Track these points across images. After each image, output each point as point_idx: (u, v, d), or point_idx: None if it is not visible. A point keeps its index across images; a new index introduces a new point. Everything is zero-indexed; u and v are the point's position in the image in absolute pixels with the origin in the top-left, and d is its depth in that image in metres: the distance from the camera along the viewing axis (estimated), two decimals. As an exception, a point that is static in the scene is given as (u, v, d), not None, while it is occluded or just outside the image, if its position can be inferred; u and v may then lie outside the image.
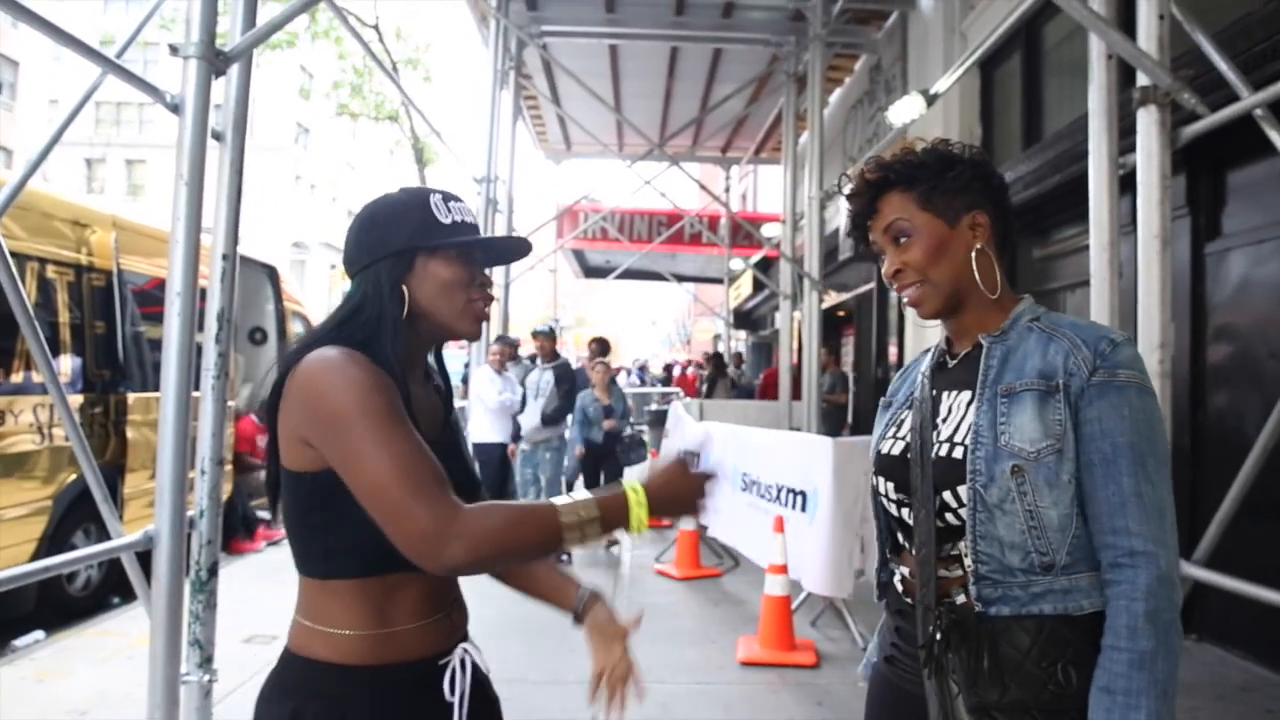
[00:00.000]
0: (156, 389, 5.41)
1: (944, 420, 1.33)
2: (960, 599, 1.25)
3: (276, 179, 30.61)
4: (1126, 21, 3.22)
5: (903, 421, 1.41)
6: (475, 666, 1.37)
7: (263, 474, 7.50)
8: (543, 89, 10.71)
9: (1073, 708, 1.17)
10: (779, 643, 4.35)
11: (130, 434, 5.62)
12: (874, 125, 9.64)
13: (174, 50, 2.31)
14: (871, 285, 10.20)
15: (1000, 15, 6.11)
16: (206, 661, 2.50)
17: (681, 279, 17.67)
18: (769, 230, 12.67)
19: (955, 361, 1.38)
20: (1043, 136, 6.46)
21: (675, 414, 8.09)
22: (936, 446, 1.31)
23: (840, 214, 9.24)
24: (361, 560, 1.25)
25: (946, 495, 1.26)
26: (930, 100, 5.26)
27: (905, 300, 1.37)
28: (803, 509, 4.79)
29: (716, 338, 17.93)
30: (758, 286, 15.76)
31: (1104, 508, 1.18)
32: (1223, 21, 4.12)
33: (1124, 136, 3.17)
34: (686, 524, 6.09)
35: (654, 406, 13.97)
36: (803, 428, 7.70)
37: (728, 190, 16.55)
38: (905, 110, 5.55)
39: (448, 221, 1.35)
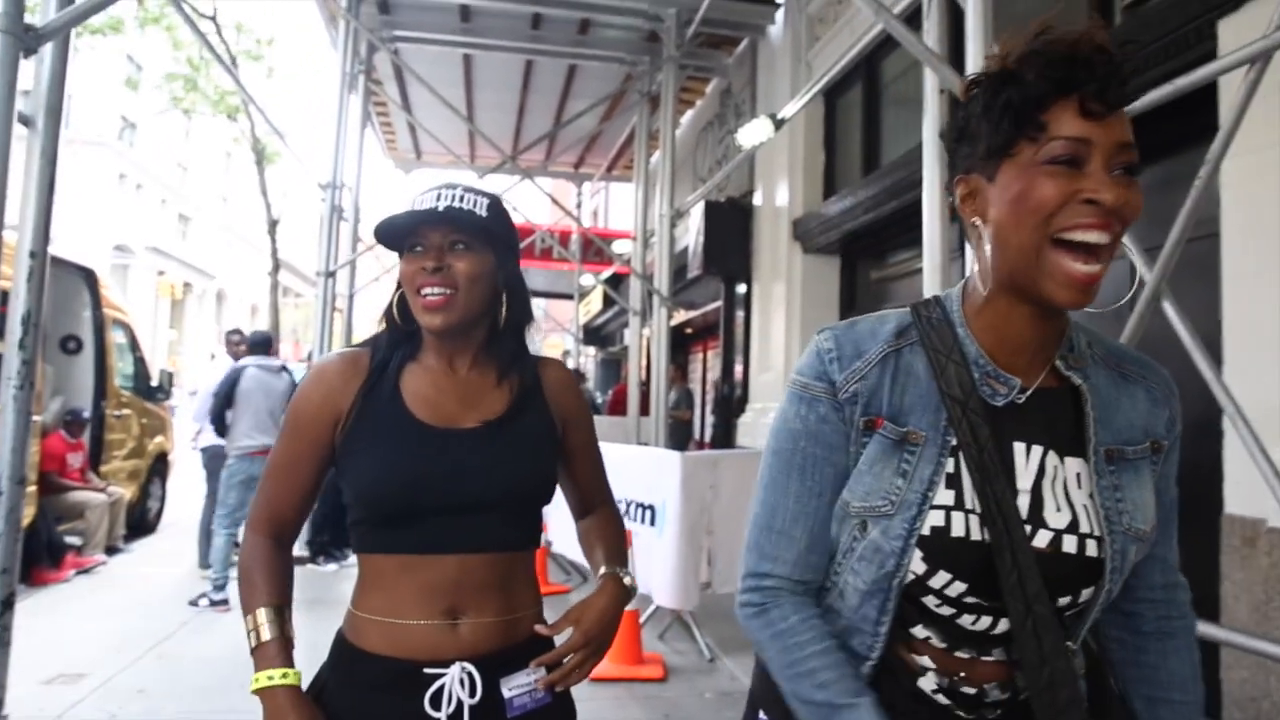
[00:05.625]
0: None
1: (1035, 492, 0.99)
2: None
3: (97, 176, 28.31)
4: (955, 59, 3.43)
5: (957, 477, 0.99)
6: (505, 700, 1.33)
7: (73, 495, 6.80)
8: (393, 95, 10.42)
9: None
10: (627, 656, 4.34)
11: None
12: (723, 147, 9.92)
13: (-29, 22, 2.09)
14: (719, 304, 10.46)
15: (843, 47, 6.43)
16: (-4, 704, 2.25)
17: (532, 294, 17.58)
18: (620, 247, 12.80)
19: (1026, 397, 1.01)
20: (881, 164, 6.82)
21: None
22: (1054, 536, 0.97)
23: (690, 233, 9.45)
24: (354, 534, 1.38)
25: (1062, 599, 0.98)
26: (778, 125, 5.45)
27: (1080, 270, 0.91)
28: (651, 523, 4.82)
29: (566, 354, 17.90)
30: (608, 303, 15.88)
31: (1158, 566, 1.09)
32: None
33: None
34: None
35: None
36: (650, 443, 7.78)
37: (579, 206, 16.61)
38: (754, 133, 5.73)
39: (404, 219, 1.35)
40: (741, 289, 9.33)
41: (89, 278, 7.68)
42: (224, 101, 17.94)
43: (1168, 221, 2.59)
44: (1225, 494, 3.37)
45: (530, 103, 10.98)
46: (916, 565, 0.98)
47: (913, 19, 4.70)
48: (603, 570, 1.47)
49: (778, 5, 8.12)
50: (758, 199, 8.68)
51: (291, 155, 7.67)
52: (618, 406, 11.75)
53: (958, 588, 0.98)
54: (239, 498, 5.73)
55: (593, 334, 20.36)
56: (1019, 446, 0.99)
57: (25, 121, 2.38)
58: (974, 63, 3.18)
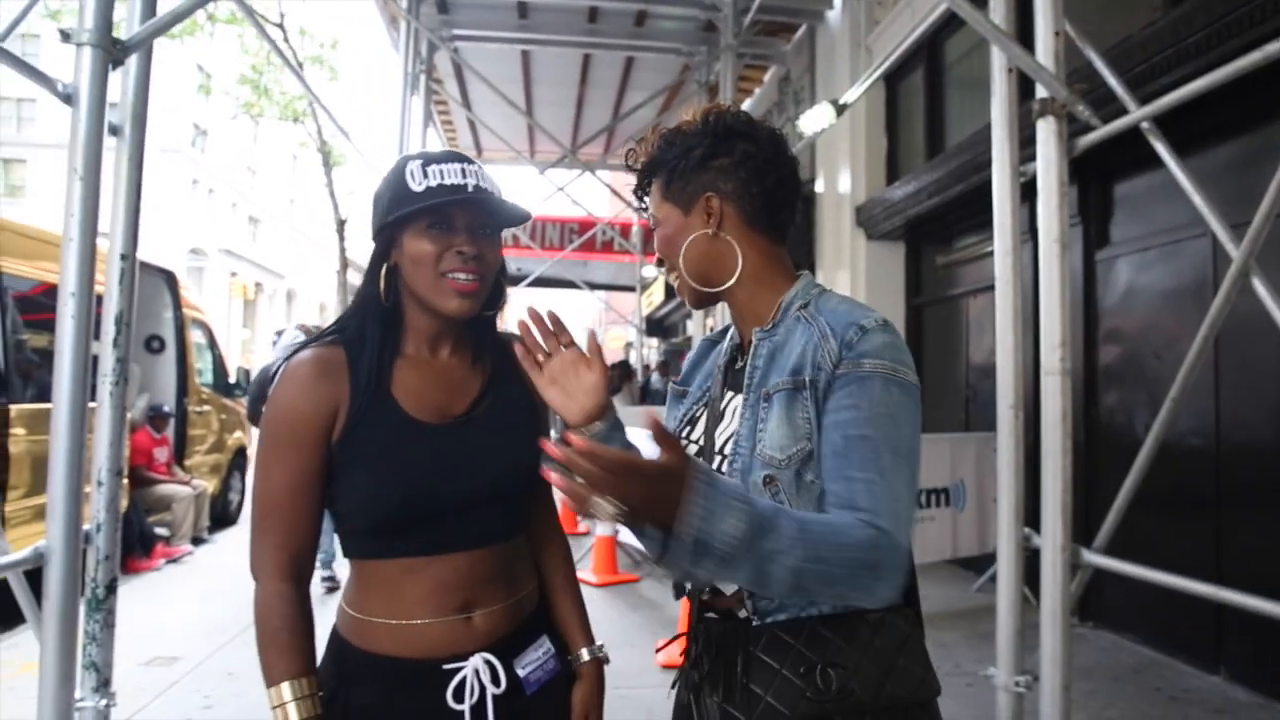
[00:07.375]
0: (41, 400, 5.07)
1: (724, 425, 1.25)
2: (742, 614, 1.18)
3: (172, 182, 29.30)
4: (1024, 36, 3.36)
5: (697, 420, 1.32)
6: (522, 680, 1.30)
7: (160, 488, 7.08)
8: (454, 93, 10.57)
9: (834, 714, 1.09)
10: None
11: (13, 449, 5.28)
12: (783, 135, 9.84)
13: (65, 36, 2.18)
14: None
15: (904, 31, 6.32)
16: (104, 685, 2.36)
17: (594, 287, 17.67)
18: (681, 238, 12.75)
19: (745, 360, 1.27)
20: (945, 148, 6.70)
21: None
22: (718, 458, 1.21)
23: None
24: (348, 541, 1.31)
25: None
26: (840, 110, 5.39)
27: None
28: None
29: (628, 345, 17.95)
30: (669, 294, 15.87)
31: (834, 501, 1.08)
32: (1108, 42, 4.34)
33: (1024, 147, 3.31)
34: (603, 530, 6.08)
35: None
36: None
37: (639, 198, 16.63)
38: (816, 120, 5.67)
39: (419, 188, 1.25)
40: (804, 277, 9.25)
41: (170, 280, 7.98)
42: (290, 106, 18.35)
43: (1255, 197, 2.50)
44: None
45: (589, 96, 11.02)
46: None
47: (978, -3, 4.60)
48: (585, 657, 1.44)
49: (836, -11, 8.02)
50: (819, 186, 8.59)
51: (357, 155, 7.84)
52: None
53: None
54: None
55: (655, 325, 20.38)
56: (730, 394, 1.26)
57: (114, 131, 2.47)
58: (1043, 39, 3.11)
